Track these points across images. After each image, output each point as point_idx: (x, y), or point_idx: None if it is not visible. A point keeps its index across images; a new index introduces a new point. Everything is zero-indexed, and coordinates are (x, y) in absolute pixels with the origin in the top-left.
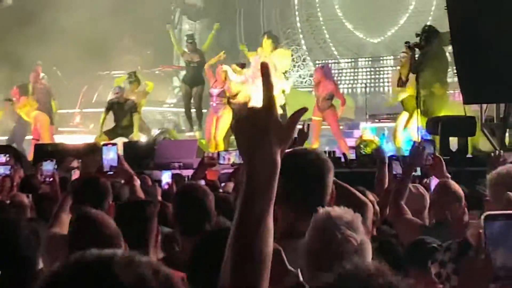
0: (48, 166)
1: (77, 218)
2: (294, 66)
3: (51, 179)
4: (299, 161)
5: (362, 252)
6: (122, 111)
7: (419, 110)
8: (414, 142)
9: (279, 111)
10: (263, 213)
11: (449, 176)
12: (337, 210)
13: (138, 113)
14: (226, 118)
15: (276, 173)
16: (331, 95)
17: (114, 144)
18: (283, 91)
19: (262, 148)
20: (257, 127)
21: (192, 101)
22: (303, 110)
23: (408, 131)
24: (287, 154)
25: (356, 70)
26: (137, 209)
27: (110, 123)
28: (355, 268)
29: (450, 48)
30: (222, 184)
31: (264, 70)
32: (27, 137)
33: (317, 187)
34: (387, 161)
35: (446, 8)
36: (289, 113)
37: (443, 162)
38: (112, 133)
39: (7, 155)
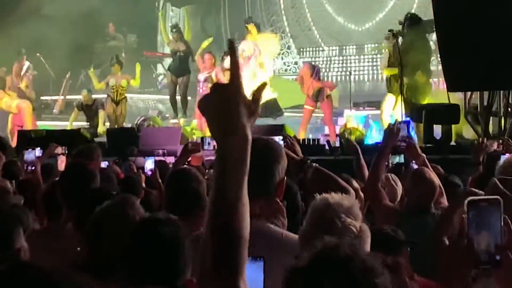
0: (31, 155)
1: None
2: (279, 53)
3: (33, 167)
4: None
5: (361, 240)
6: (90, 111)
7: (402, 97)
8: (389, 123)
9: (271, 96)
10: (238, 188)
11: (424, 156)
12: (335, 197)
13: (124, 99)
14: None
15: (247, 146)
16: (318, 91)
17: None
18: (271, 78)
19: (232, 122)
20: (225, 101)
21: (177, 89)
22: (264, 84)
23: (394, 117)
24: None
25: (340, 58)
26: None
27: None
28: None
29: (434, 36)
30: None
31: (231, 45)
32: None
33: (261, 176)
34: (359, 150)
35: None
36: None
37: (416, 143)
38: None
39: None
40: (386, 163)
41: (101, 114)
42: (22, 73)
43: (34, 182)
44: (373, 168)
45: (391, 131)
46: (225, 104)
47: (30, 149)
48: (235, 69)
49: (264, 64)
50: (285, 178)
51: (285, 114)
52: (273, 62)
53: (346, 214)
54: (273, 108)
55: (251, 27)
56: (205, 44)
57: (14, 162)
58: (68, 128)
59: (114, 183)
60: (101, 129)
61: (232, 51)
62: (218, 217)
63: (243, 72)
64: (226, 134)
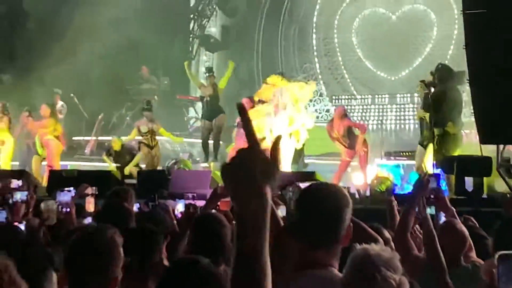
0: (66, 196)
1: None
2: (311, 100)
3: (67, 209)
4: (316, 195)
5: None
6: (119, 157)
7: (434, 148)
8: (419, 174)
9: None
10: (257, 247)
11: (454, 209)
12: (375, 248)
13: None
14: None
15: (265, 207)
16: (348, 130)
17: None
18: (303, 125)
19: (247, 183)
20: (243, 166)
21: (211, 133)
22: (279, 138)
23: (426, 167)
24: (305, 188)
25: (372, 106)
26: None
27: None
28: None
29: (466, 87)
30: None
31: (240, 108)
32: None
33: (332, 221)
34: (393, 202)
35: (464, 47)
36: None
37: (446, 196)
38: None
39: (22, 181)
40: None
41: (138, 157)
42: (56, 111)
43: (69, 224)
44: (402, 219)
45: (420, 183)
46: (244, 169)
47: (65, 190)
48: (249, 133)
49: (301, 110)
50: (351, 224)
51: (316, 161)
52: (304, 110)
53: (386, 267)
54: (298, 156)
55: (273, 79)
56: (229, 72)
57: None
58: (110, 166)
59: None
60: (128, 169)
61: (243, 112)
62: (239, 275)
63: (279, 119)
64: (241, 195)
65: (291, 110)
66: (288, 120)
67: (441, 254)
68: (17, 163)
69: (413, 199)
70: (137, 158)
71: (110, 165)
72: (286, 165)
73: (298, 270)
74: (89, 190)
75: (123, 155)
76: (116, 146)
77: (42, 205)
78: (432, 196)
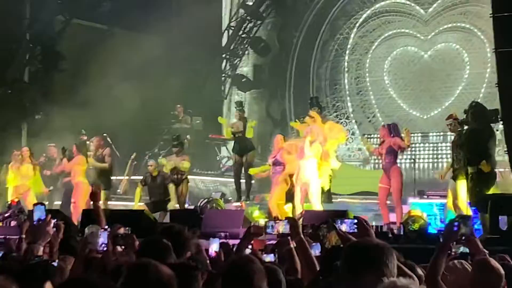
0: (102, 238)
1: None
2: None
3: (105, 248)
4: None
5: None
6: (154, 183)
7: (468, 186)
8: (450, 219)
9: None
10: None
11: (486, 252)
12: (403, 281)
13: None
14: (279, 184)
15: None
16: (392, 149)
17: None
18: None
19: None
20: None
21: (243, 171)
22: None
23: (460, 206)
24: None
25: None
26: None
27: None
28: None
29: (500, 125)
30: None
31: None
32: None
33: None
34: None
35: (497, 85)
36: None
37: (477, 240)
38: (149, 206)
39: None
40: (449, 251)
41: (172, 189)
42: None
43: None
44: (432, 263)
45: (450, 229)
46: None
47: (102, 230)
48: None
49: (329, 153)
50: None
51: (347, 200)
52: (334, 153)
53: None
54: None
55: (314, 114)
56: (251, 131)
57: (73, 237)
58: (134, 203)
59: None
60: (173, 203)
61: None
62: None
63: (307, 155)
64: None
65: (321, 149)
66: (316, 159)
67: None
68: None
69: (444, 245)
70: (171, 190)
71: (135, 203)
72: (316, 203)
73: None
74: (122, 230)
75: (158, 184)
76: (153, 170)
77: (86, 230)
78: (463, 240)
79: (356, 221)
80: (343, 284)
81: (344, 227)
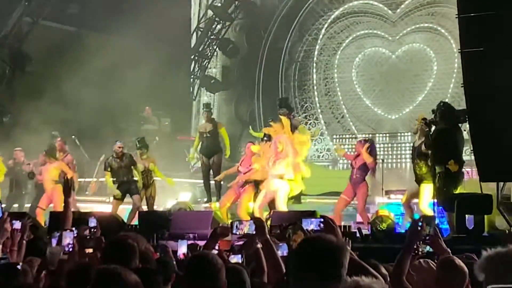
0: (68, 239)
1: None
2: (312, 140)
3: (70, 248)
4: (314, 251)
5: None
6: (120, 163)
7: (434, 186)
8: (413, 219)
9: (294, 191)
10: None
11: (449, 251)
12: (366, 280)
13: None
14: (248, 191)
15: None
16: (365, 166)
17: None
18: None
19: None
20: None
21: (211, 172)
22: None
23: (425, 206)
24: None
25: None
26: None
27: None
28: None
29: (467, 125)
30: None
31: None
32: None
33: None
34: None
35: (462, 85)
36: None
37: (441, 240)
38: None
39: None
40: (416, 251)
41: (138, 168)
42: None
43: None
44: (397, 263)
45: (414, 229)
46: None
47: (68, 230)
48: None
49: (300, 165)
50: None
51: (316, 200)
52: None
53: None
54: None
55: (284, 119)
56: (226, 139)
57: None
58: (109, 188)
59: (151, 262)
60: (140, 183)
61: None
62: None
63: (278, 164)
64: None
65: (290, 158)
66: (285, 168)
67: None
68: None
69: (408, 245)
70: (137, 170)
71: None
72: (282, 207)
73: None
74: (87, 232)
75: (124, 166)
76: (118, 152)
77: (48, 249)
78: (427, 238)
79: (322, 220)
80: (298, 283)
81: (312, 227)
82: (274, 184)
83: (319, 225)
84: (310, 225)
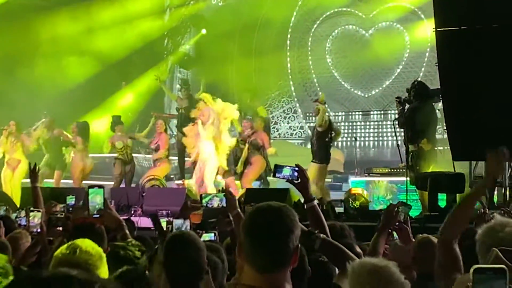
0: (37, 219)
1: None
2: (285, 117)
3: (38, 230)
4: (260, 220)
5: None
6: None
7: (407, 164)
8: (390, 203)
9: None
10: None
11: (413, 240)
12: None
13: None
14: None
15: None
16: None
17: (100, 187)
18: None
19: None
20: None
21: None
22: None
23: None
24: (251, 212)
25: (346, 123)
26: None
27: None
28: None
29: (440, 104)
30: None
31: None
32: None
33: (278, 246)
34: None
35: (436, 64)
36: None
37: (409, 230)
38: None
39: None
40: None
41: (117, 145)
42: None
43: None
44: (372, 247)
45: (390, 213)
46: None
47: (35, 211)
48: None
49: (224, 131)
50: (299, 245)
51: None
52: (230, 127)
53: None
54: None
55: (205, 96)
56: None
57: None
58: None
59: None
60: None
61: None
62: None
63: (203, 137)
64: None
65: (213, 130)
66: (212, 139)
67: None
68: None
69: (383, 229)
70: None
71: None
72: (210, 182)
73: None
74: (57, 208)
75: (53, 142)
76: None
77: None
78: (397, 225)
79: (297, 168)
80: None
81: (288, 172)
82: (203, 155)
83: (294, 174)
84: (284, 170)
